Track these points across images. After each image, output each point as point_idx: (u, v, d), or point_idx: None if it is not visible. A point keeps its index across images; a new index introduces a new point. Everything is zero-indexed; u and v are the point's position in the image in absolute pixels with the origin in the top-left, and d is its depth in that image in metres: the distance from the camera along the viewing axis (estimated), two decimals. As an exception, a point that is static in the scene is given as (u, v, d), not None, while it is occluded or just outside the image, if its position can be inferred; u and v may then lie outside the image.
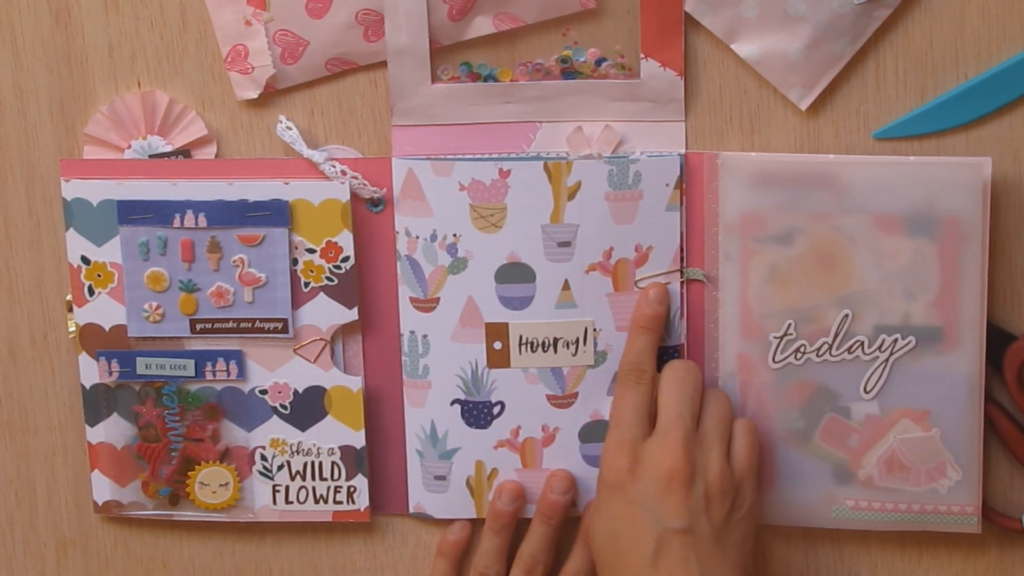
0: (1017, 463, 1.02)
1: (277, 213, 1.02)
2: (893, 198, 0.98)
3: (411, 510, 1.07)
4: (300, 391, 1.05)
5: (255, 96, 1.02)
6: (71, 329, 1.06)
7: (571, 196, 1.00)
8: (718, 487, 0.96)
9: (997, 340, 1.00)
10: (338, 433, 1.05)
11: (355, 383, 1.05)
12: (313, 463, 1.06)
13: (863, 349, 1.00)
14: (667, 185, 1.00)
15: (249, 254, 1.03)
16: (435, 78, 1.01)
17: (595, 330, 1.01)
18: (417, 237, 1.02)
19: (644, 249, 1.00)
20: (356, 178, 1.02)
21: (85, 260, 1.04)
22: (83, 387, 1.06)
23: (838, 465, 1.02)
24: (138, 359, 1.05)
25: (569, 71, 1.00)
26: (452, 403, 1.04)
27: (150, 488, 1.07)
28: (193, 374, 1.05)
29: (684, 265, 1.01)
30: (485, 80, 1.00)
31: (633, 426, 0.97)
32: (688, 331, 1.02)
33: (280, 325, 1.03)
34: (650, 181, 0.99)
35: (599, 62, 1.00)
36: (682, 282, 1.01)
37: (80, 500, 1.10)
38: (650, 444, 0.97)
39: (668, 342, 1.02)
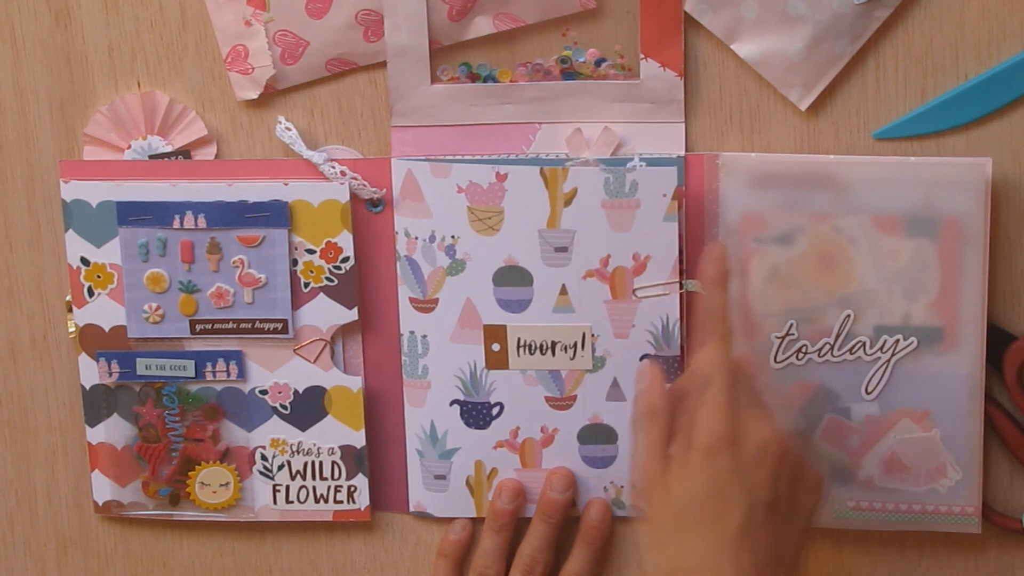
0: (1017, 463, 1.02)
1: (277, 214, 1.02)
2: (893, 198, 0.98)
3: (411, 509, 1.07)
4: (300, 391, 1.05)
5: (255, 97, 1.02)
6: (71, 330, 1.06)
7: (567, 202, 1.00)
8: (797, 461, 0.93)
9: (997, 340, 1.00)
10: (338, 433, 1.05)
11: (355, 383, 1.05)
12: (313, 463, 1.06)
13: (864, 350, 1.00)
14: (664, 195, 0.99)
15: (249, 255, 1.03)
16: (434, 79, 1.01)
17: (593, 335, 1.01)
18: (416, 238, 1.02)
19: (642, 258, 1.00)
20: (356, 179, 1.02)
21: (85, 261, 1.04)
22: (83, 387, 1.06)
23: (838, 465, 1.02)
24: (138, 360, 1.05)
25: (569, 71, 1.00)
26: (451, 403, 1.04)
27: (150, 488, 1.07)
28: (193, 375, 1.05)
29: (683, 276, 1.01)
30: (485, 81, 1.00)
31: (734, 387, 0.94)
32: (687, 337, 1.02)
33: (280, 325, 1.04)
34: (647, 190, 0.99)
35: (599, 62, 1.00)
36: (681, 293, 1.01)
37: (80, 500, 1.10)
38: (745, 411, 0.93)
39: (666, 352, 1.01)
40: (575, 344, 1.02)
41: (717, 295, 0.96)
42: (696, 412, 0.91)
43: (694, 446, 0.91)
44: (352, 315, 1.04)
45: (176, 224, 1.02)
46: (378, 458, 1.07)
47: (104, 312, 1.04)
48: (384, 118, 1.02)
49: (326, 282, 1.03)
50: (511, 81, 1.00)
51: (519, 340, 1.02)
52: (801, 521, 0.92)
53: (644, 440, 0.93)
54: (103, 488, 1.08)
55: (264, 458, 1.06)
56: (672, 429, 0.93)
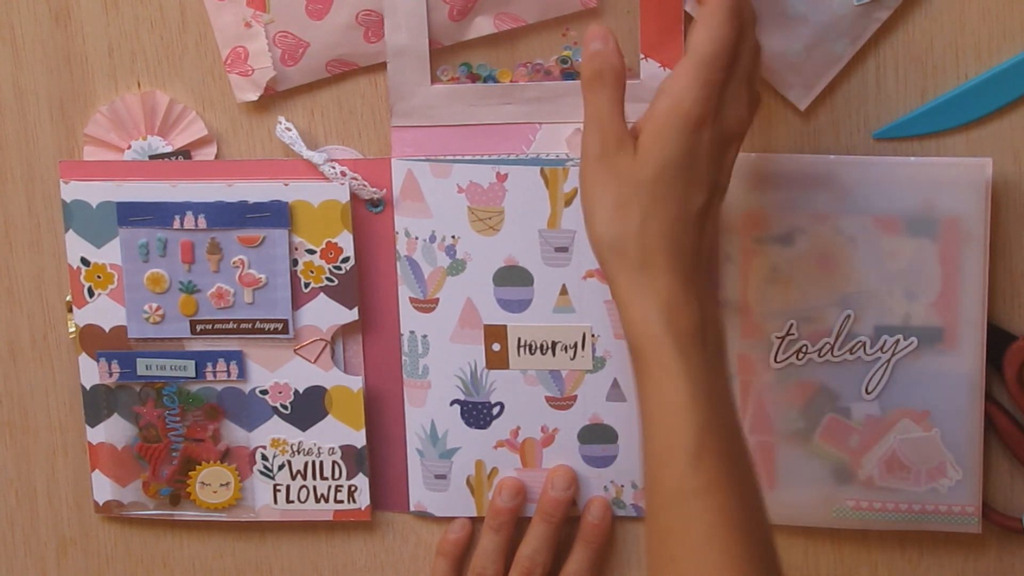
0: (1017, 463, 1.02)
1: (277, 214, 1.02)
2: (893, 198, 0.98)
3: (412, 509, 1.07)
4: (300, 391, 1.05)
5: (255, 98, 1.02)
6: (71, 330, 1.06)
7: (568, 202, 1.00)
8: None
9: (997, 340, 1.00)
10: (339, 433, 1.06)
11: (355, 383, 1.05)
12: (314, 463, 1.06)
13: (864, 350, 1.00)
14: None
15: (249, 255, 1.03)
16: (435, 79, 1.00)
17: (593, 335, 1.01)
18: (416, 238, 1.02)
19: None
20: (356, 179, 1.02)
21: (85, 262, 1.04)
22: (83, 388, 1.06)
23: (838, 465, 1.02)
24: (138, 360, 1.05)
25: (569, 71, 1.00)
26: (452, 403, 1.04)
27: (151, 488, 1.07)
28: (193, 375, 1.05)
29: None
30: (485, 81, 1.00)
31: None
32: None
33: (280, 326, 1.04)
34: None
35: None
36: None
37: (81, 500, 1.10)
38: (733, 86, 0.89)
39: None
40: (575, 344, 1.02)
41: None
42: (672, 81, 0.87)
43: (676, 112, 0.87)
44: (352, 315, 1.04)
45: (176, 224, 1.02)
46: (378, 458, 1.07)
47: (104, 312, 1.04)
48: (384, 118, 1.02)
49: (326, 282, 1.03)
50: (511, 81, 1.00)
51: (519, 340, 1.02)
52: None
53: (603, 99, 0.89)
54: (103, 488, 1.08)
55: (264, 458, 1.06)
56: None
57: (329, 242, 1.02)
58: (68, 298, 1.06)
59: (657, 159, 0.87)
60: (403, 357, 1.05)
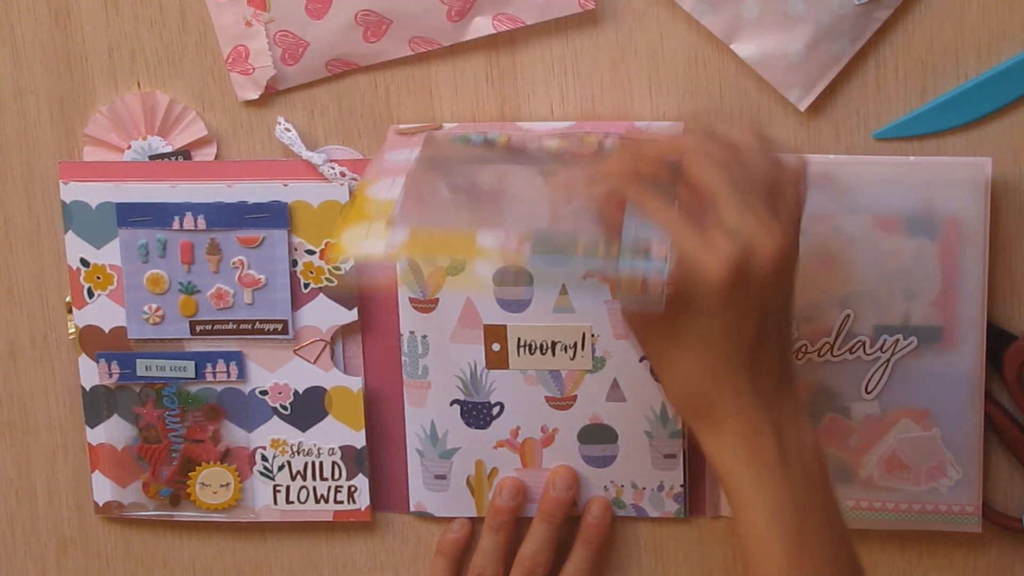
0: (1017, 463, 1.02)
1: (276, 215, 1.02)
2: (893, 198, 0.98)
3: (412, 509, 1.07)
4: (300, 392, 1.05)
5: (256, 97, 1.02)
6: (71, 331, 1.06)
7: (568, 201, 1.00)
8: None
9: (997, 340, 1.00)
10: (338, 433, 1.06)
11: (355, 383, 1.05)
12: (314, 463, 1.06)
13: (864, 349, 1.00)
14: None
15: (249, 256, 1.03)
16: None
17: (593, 336, 1.01)
18: (416, 238, 1.02)
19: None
20: (355, 179, 1.02)
21: (84, 262, 1.04)
22: (83, 388, 1.06)
23: (838, 465, 1.02)
24: (138, 360, 1.05)
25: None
26: (452, 403, 1.04)
27: (151, 489, 1.07)
28: (193, 375, 1.05)
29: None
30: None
31: None
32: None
33: (280, 326, 1.04)
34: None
35: (598, 63, 1.00)
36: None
37: (80, 500, 1.10)
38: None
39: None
40: (575, 344, 1.02)
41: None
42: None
43: (706, 282, 0.83)
44: (352, 315, 1.04)
45: (176, 225, 1.02)
46: (378, 458, 1.07)
47: (104, 313, 1.04)
48: (384, 118, 1.02)
49: (326, 283, 1.03)
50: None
51: (519, 340, 1.02)
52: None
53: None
54: (103, 489, 1.08)
55: (264, 458, 1.06)
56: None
57: (329, 242, 1.02)
58: (68, 299, 1.06)
59: (696, 318, 0.85)
60: (403, 357, 1.04)
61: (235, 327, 1.04)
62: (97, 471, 1.08)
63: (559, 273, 1.00)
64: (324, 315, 1.04)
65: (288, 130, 1.02)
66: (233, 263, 1.03)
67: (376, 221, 0.89)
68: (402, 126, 1.01)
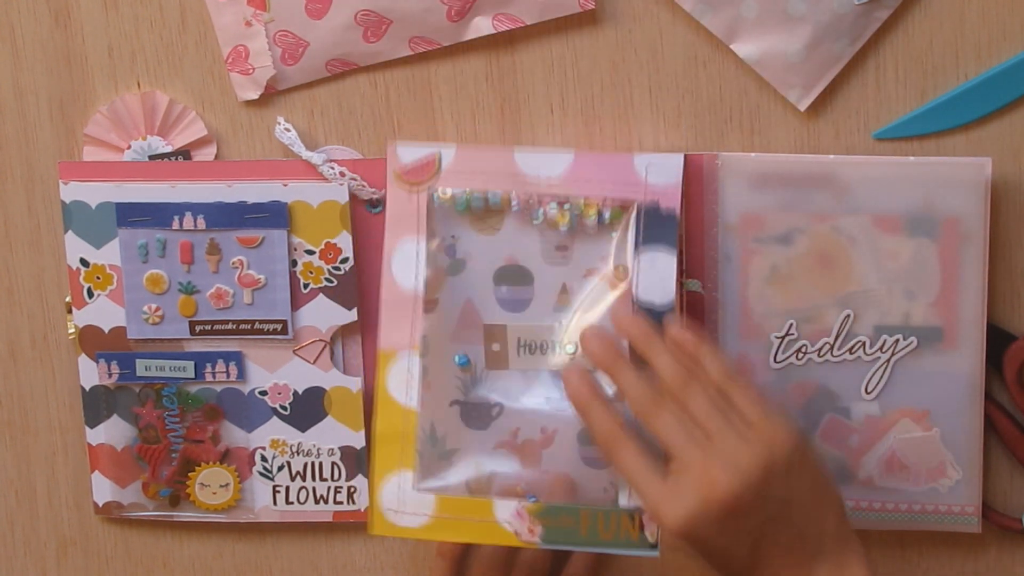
0: (1017, 463, 1.02)
1: (276, 215, 1.02)
2: (893, 198, 0.98)
3: (411, 509, 1.07)
4: (300, 392, 1.05)
5: (256, 97, 1.02)
6: (71, 331, 1.06)
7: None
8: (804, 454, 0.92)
9: (997, 340, 1.00)
10: (338, 433, 1.05)
11: (355, 384, 1.05)
12: (313, 463, 1.06)
13: (864, 349, 1.00)
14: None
15: (248, 256, 1.03)
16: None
17: (593, 335, 1.01)
18: (416, 238, 1.02)
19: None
20: (355, 179, 1.02)
21: (84, 262, 1.04)
22: (83, 388, 1.06)
23: (838, 465, 1.02)
24: (138, 361, 1.05)
25: None
26: (451, 404, 1.04)
27: (150, 489, 1.07)
28: (193, 375, 1.05)
29: (683, 275, 1.01)
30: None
31: None
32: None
33: (280, 326, 1.04)
34: (647, 189, 0.99)
35: (598, 63, 1.00)
36: (680, 292, 1.01)
37: (80, 500, 1.10)
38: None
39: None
40: (576, 344, 1.01)
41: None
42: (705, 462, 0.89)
43: (671, 531, 0.89)
44: (352, 316, 1.04)
45: (175, 225, 1.02)
46: (378, 458, 1.07)
47: (104, 313, 1.04)
48: (383, 118, 1.02)
49: (325, 283, 1.03)
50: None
51: (519, 340, 1.02)
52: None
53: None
54: (103, 489, 1.08)
55: (264, 459, 1.06)
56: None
57: (328, 243, 1.02)
58: (68, 299, 1.06)
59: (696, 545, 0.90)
60: (403, 358, 1.05)
61: (235, 327, 1.04)
62: (97, 471, 1.08)
63: (560, 271, 1.00)
64: (324, 315, 1.04)
65: (288, 130, 1.02)
66: (233, 263, 1.03)
67: (403, 470, 1.00)
68: (402, 144, 1.01)
